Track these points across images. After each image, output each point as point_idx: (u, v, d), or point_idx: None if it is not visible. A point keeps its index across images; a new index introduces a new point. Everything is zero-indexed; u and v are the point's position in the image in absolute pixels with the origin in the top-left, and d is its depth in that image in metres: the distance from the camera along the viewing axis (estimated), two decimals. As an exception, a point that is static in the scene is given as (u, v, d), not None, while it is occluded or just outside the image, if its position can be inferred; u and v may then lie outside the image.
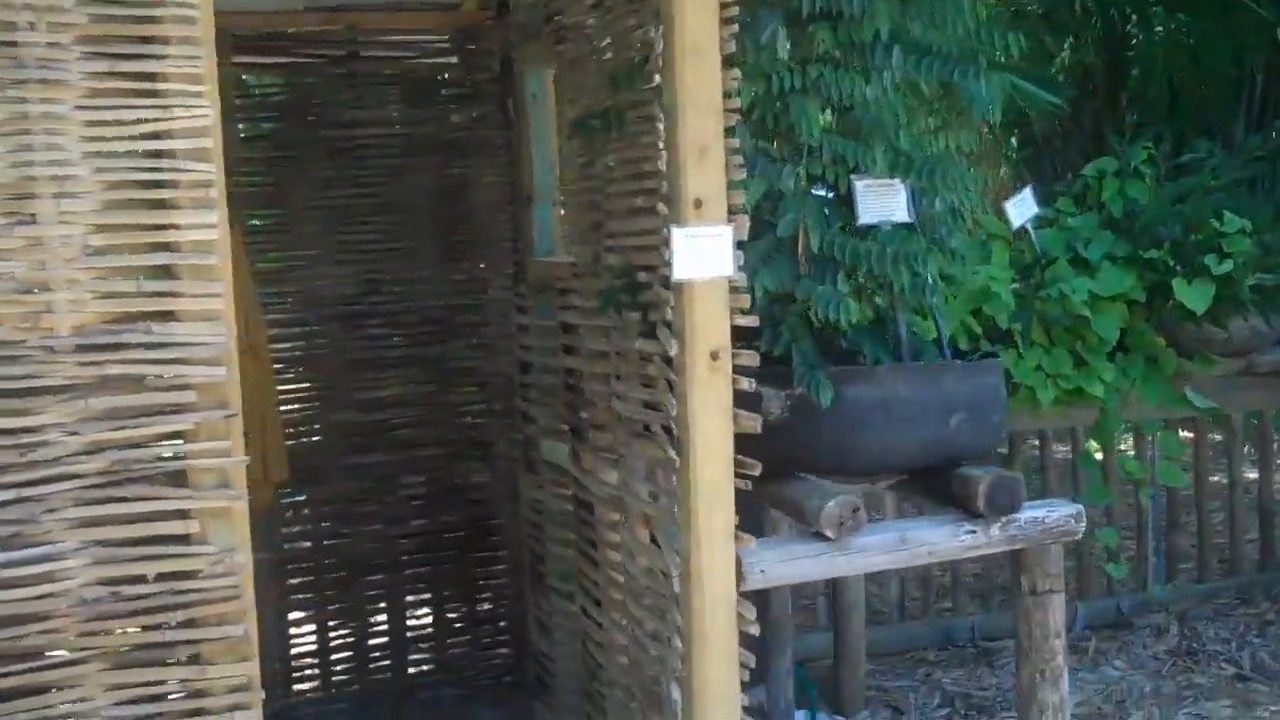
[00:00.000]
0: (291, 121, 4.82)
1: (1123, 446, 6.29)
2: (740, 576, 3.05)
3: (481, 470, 5.04)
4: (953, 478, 3.35)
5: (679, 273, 2.92)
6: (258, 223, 4.80)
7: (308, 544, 4.95)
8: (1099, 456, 5.66)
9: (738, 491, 3.04)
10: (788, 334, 3.26)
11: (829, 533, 3.11)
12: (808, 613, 5.55)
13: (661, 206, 2.96)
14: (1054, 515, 3.35)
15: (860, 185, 3.28)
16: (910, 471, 3.44)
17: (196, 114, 2.62)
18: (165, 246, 2.60)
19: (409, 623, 5.08)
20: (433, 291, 4.98)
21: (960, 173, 3.34)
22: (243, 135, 4.74)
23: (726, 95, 2.92)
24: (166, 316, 2.60)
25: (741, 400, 3.01)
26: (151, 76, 2.59)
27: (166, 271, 2.61)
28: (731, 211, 2.96)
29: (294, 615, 4.95)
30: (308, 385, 4.91)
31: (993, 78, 5.48)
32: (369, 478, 4.97)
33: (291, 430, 4.83)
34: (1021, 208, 4.99)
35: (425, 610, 5.11)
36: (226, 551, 2.65)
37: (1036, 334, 4.88)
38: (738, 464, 3.01)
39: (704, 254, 2.92)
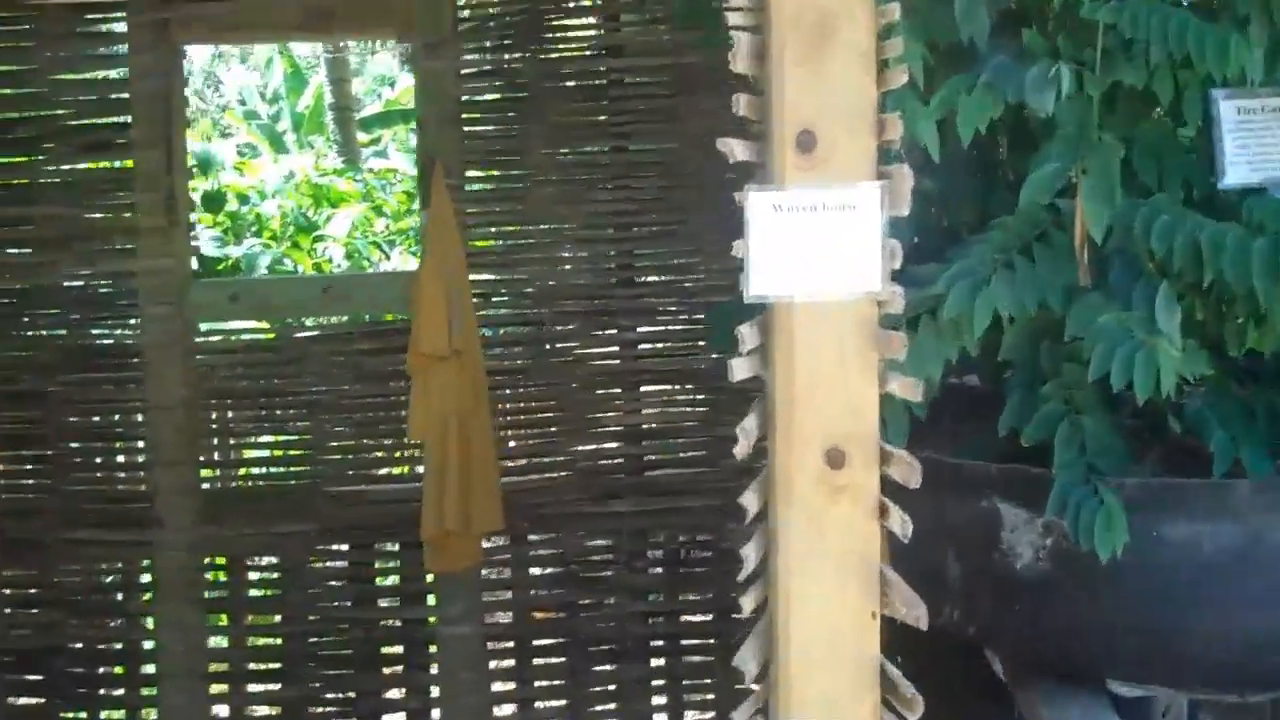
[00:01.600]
0: (526, 48, 3.58)
1: None
2: None
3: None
4: None
5: (756, 287, 1.42)
6: (477, 187, 3.59)
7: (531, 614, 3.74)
8: None
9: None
10: (1055, 405, 1.64)
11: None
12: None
13: (734, 146, 1.45)
14: None
15: (1226, 108, 1.61)
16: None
17: None
18: None
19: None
20: (707, 283, 3.59)
21: None
22: (464, 71, 3.55)
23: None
24: None
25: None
26: None
27: None
28: (886, 156, 1.42)
29: (501, 711, 3.72)
30: (538, 405, 3.68)
31: None
32: (617, 532, 3.68)
33: (512, 465, 3.62)
34: None
35: (679, 714, 3.74)
36: None
37: None
38: (892, 693, 1.47)
39: (816, 248, 1.40)
